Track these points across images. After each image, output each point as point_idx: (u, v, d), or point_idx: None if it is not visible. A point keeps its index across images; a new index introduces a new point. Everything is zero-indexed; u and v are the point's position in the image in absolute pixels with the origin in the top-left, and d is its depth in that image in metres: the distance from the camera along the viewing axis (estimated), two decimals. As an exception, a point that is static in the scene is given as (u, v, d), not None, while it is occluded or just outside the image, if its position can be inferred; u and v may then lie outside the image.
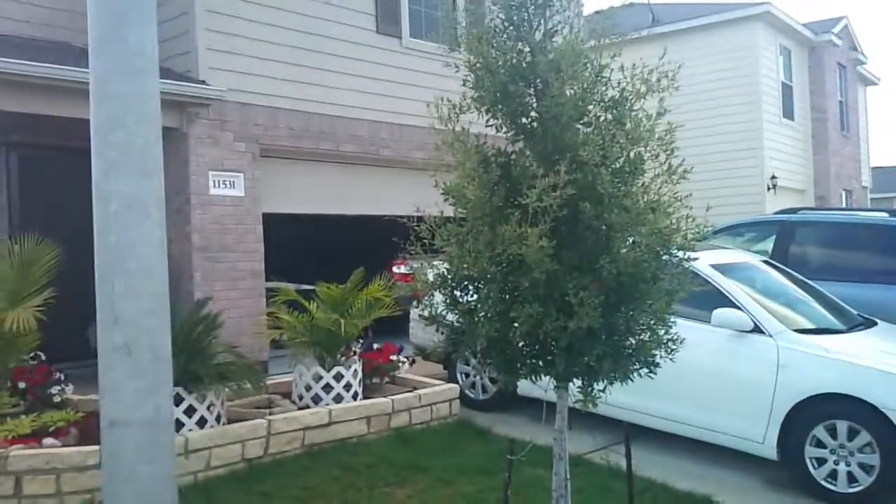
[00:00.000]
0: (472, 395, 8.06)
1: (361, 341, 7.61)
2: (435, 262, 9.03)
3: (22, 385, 6.52)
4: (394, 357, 7.67)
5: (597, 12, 5.85)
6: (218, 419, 6.07)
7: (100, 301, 2.53)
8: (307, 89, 9.96)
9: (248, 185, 9.35)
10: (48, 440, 5.49)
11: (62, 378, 6.78)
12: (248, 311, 9.20)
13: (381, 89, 10.76)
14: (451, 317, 4.65)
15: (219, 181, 9.08)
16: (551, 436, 4.25)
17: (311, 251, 13.37)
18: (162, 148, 2.63)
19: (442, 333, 8.52)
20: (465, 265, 4.34)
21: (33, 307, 6.19)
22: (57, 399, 6.61)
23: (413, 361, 8.16)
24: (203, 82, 8.88)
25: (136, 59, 2.51)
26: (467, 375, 8.19)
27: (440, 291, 4.67)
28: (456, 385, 7.64)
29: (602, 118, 4.53)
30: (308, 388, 6.91)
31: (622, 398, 4.71)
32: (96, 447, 4.29)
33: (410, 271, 13.57)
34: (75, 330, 7.36)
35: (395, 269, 12.40)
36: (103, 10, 2.50)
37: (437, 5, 11.71)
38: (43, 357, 6.91)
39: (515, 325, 4.19)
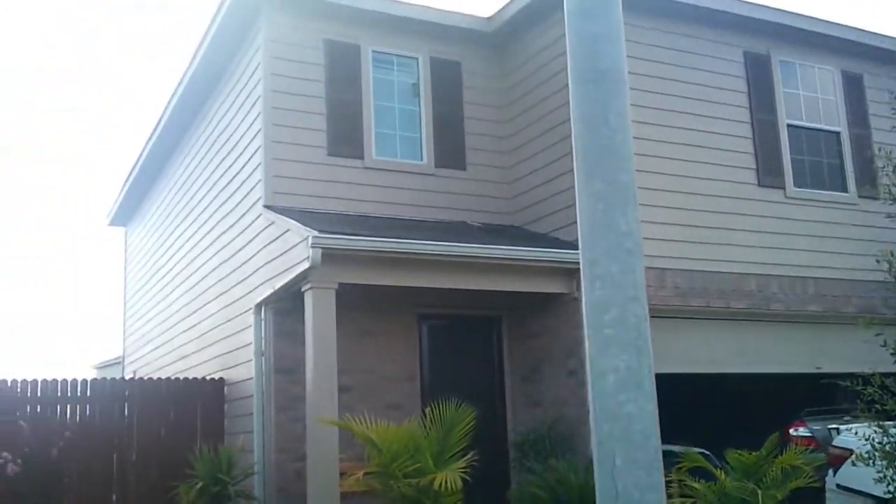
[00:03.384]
0: (915, 585, 6.94)
1: (777, 514, 7.01)
2: (850, 427, 8.16)
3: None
4: (819, 534, 6.93)
5: None
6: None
7: (599, 475, 2.62)
8: (692, 248, 9.93)
9: (637, 346, 9.36)
10: None
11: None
12: (644, 476, 8.96)
13: (767, 242, 10.40)
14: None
15: (609, 343, 9.20)
16: None
17: (696, 411, 12.86)
18: (649, 325, 2.73)
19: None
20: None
21: (458, 468, 6.59)
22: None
23: (841, 539, 7.29)
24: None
25: (625, 240, 2.68)
26: (906, 559, 7.10)
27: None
28: (898, 570, 6.65)
29: None
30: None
31: None
32: None
33: (810, 433, 12.28)
34: (482, 489, 7.73)
35: (791, 431, 11.40)
36: (595, 200, 2.74)
37: (820, 152, 11.23)
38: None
39: None
